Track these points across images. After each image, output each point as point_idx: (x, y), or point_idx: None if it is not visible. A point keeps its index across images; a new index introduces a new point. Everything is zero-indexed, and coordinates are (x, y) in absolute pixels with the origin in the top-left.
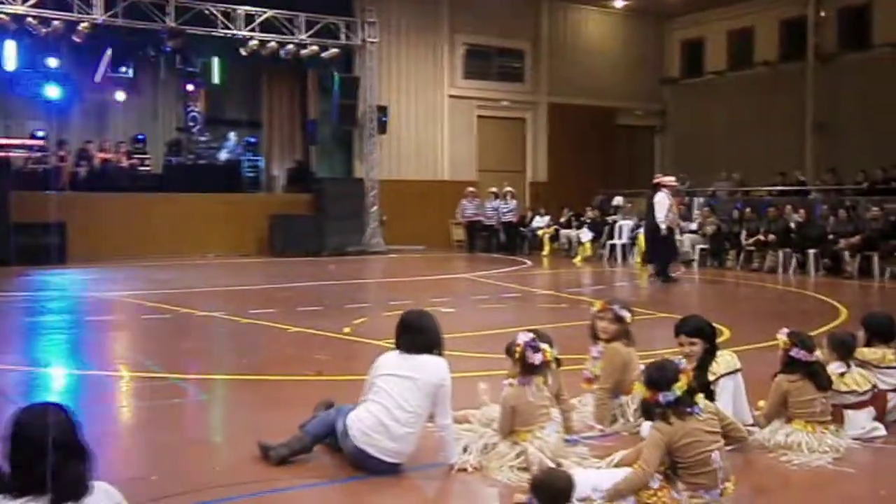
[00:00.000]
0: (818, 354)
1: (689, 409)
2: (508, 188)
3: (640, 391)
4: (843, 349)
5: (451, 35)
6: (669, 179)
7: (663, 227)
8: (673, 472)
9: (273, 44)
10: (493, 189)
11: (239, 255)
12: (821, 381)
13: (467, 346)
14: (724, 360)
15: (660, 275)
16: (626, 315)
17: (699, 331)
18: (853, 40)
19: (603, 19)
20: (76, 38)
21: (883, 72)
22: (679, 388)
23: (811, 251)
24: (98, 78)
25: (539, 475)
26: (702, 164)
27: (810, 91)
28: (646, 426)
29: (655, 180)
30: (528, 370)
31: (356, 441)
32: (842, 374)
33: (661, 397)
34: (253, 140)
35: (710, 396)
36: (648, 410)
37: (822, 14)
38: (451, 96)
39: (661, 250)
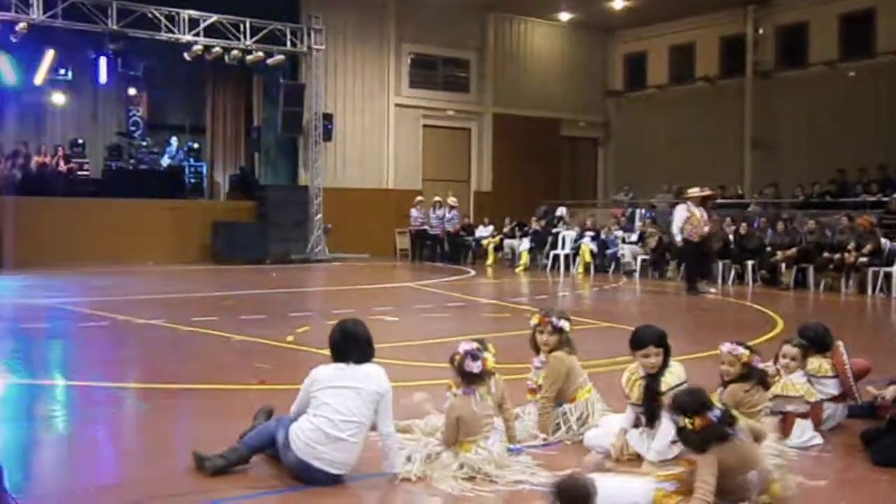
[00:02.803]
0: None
1: (730, 431)
2: (451, 198)
3: (583, 399)
4: (819, 344)
5: (398, 44)
6: (693, 191)
7: (678, 238)
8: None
9: (218, 49)
10: (437, 198)
11: (181, 262)
12: (767, 387)
13: (411, 354)
14: (676, 370)
15: (689, 290)
16: (565, 325)
17: (662, 339)
18: (790, 58)
19: (548, 32)
20: (13, 39)
21: (818, 89)
22: (716, 403)
23: (749, 262)
24: (38, 80)
25: (561, 480)
26: (643, 176)
27: (749, 106)
28: (590, 435)
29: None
30: (469, 379)
31: (299, 453)
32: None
33: (712, 416)
34: (195, 146)
35: (660, 407)
36: (689, 441)
37: (761, 32)
38: (397, 105)
39: (689, 263)
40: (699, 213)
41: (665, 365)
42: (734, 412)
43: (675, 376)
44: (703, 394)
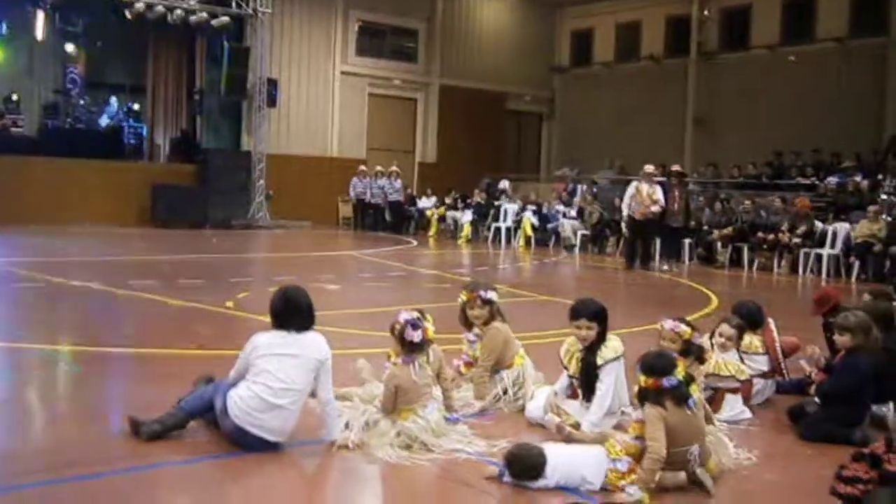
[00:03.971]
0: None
1: (685, 400)
2: (394, 167)
3: (519, 364)
4: (752, 321)
5: (346, 10)
6: (647, 167)
7: (624, 213)
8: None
9: (160, 8)
10: (380, 168)
11: (119, 224)
12: (703, 361)
13: (351, 323)
14: (612, 345)
15: (628, 266)
16: (493, 295)
17: (597, 314)
18: (733, 40)
19: (496, 5)
20: None
21: (759, 72)
22: (679, 374)
23: (686, 241)
24: None
25: (513, 448)
26: (587, 152)
27: (692, 86)
28: (530, 407)
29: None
30: (409, 348)
31: (237, 420)
32: (737, 360)
33: (665, 382)
34: (136, 107)
35: (595, 379)
36: (646, 397)
37: (706, 13)
38: (343, 73)
39: (626, 240)
40: (647, 190)
41: (602, 339)
42: (693, 386)
43: (611, 350)
44: (669, 359)
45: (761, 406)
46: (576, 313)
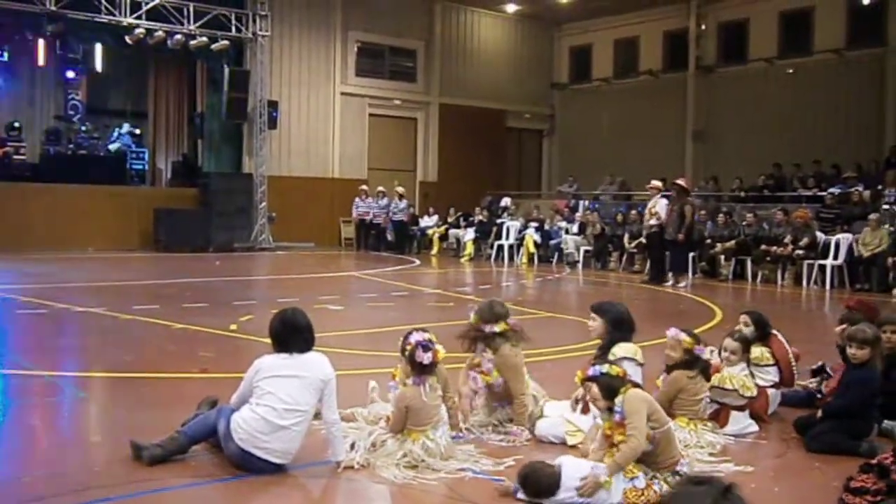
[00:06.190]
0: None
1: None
2: (399, 188)
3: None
4: (762, 325)
5: (344, 32)
6: (652, 182)
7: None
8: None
9: (160, 33)
10: (381, 188)
11: (122, 249)
12: (708, 376)
13: (355, 343)
14: (626, 346)
15: (651, 280)
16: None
17: (600, 308)
18: (731, 54)
19: (495, 23)
20: None
21: (757, 84)
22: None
23: (689, 254)
24: None
25: (527, 468)
26: (587, 167)
27: (691, 100)
28: (541, 425)
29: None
30: (420, 370)
31: (241, 443)
32: (745, 375)
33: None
34: (137, 131)
35: None
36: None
37: (703, 27)
38: (343, 94)
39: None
40: (650, 204)
41: (614, 342)
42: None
43: (622, 350)
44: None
45: (768, 418)
46: (591, 308)
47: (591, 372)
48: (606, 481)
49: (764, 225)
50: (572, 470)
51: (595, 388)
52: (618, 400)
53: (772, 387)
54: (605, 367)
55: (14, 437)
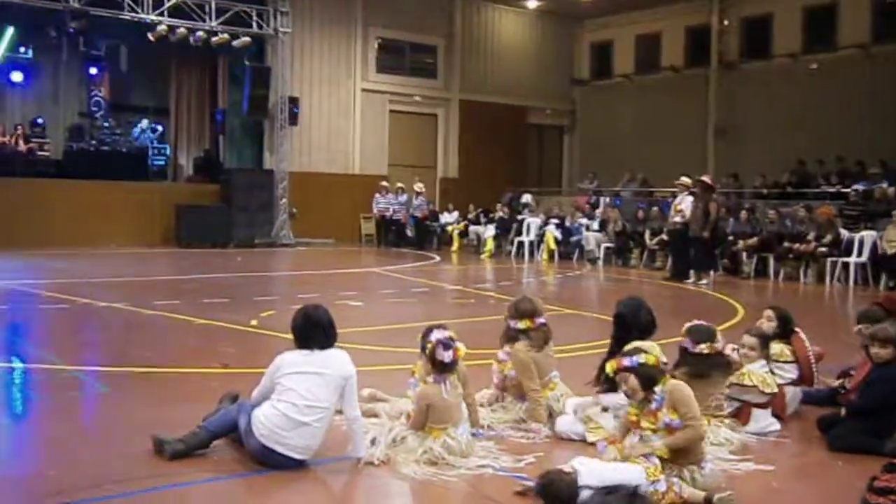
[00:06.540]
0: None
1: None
2: (418, 184)
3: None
4: (786, 320)
5: (365, 28)
6: (682, 179)
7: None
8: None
9: (182, 30)
10: (401, 184)
11: (143, 245)
12: (723, 370)
13: (375, 340)
14: (646, 342)
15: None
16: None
17: (616, 315)
18: (754, 49)
19: (515, 19)
20: None
21: (781, 81)
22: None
23: (714, 252)
24: None
25: (545, 479)
26: (608, 164)
27: (713, 96)
28: (560, 422)
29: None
30: (441, 368)
31: (263, 439)
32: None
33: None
34: (159, 128)
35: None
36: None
37: (726, 23)
38: (364, 90)
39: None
40: (677, 201)
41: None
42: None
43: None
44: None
45: (789, 417)
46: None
47: (626, 363)
48: (661, 449)
49: (786, 222)
50: (589, 476)
51: (633, 379)
52: (658, 389)
53: (789, 384)
54: (642, 357)
55: (36, 431)
